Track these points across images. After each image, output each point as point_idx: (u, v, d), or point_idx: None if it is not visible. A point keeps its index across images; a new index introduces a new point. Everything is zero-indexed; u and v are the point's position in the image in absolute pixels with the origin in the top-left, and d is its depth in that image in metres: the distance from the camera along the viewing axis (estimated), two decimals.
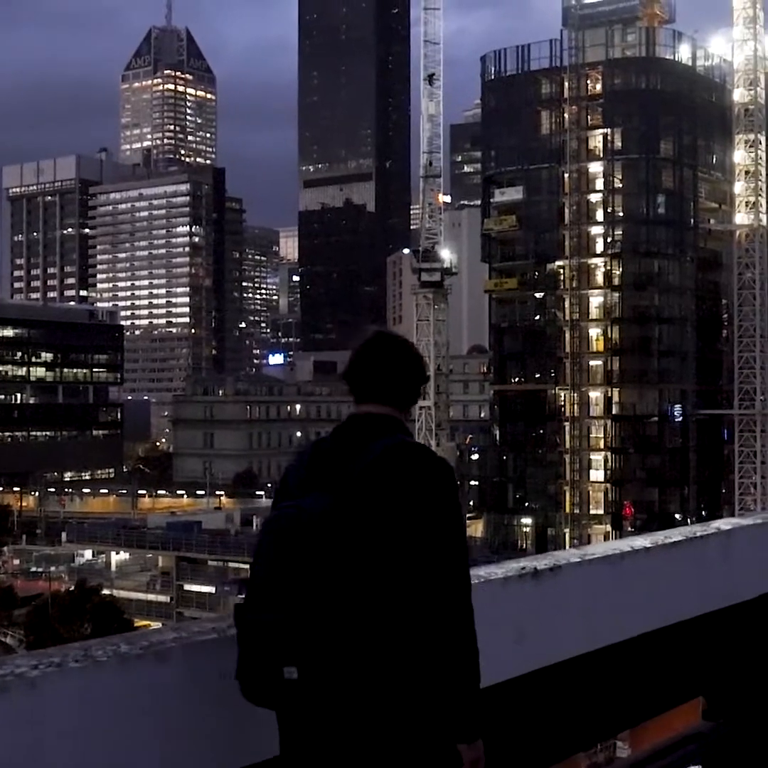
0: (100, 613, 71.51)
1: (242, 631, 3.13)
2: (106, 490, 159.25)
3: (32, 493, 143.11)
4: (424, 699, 3.13)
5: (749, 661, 5.53)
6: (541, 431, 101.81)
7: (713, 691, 5.42)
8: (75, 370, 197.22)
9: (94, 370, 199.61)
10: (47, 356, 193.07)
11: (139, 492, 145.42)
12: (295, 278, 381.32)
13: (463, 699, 3.13)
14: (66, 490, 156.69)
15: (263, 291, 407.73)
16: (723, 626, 5.35)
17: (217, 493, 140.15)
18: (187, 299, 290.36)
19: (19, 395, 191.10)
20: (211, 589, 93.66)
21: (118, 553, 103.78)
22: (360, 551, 3.07)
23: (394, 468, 3.16)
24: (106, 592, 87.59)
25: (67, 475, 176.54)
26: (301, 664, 3.01)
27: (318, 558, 3.03)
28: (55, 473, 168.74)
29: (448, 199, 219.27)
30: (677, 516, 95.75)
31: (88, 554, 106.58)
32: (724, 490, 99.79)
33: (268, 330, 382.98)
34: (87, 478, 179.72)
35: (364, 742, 3.09)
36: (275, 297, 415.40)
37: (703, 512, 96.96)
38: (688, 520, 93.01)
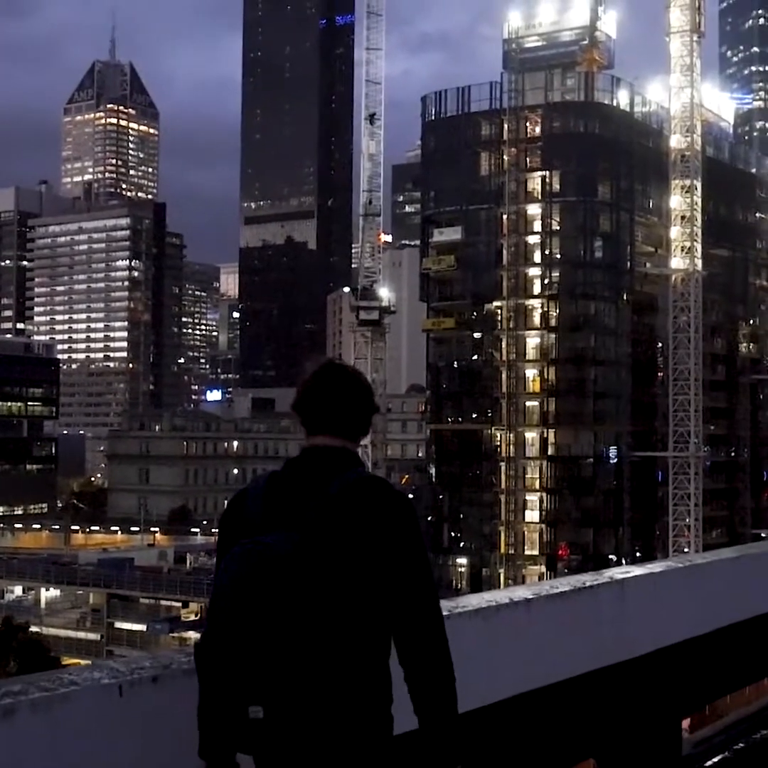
0: (25, 651, 70.31)
1: (203, 669, 3.05)
2: (38, 526, 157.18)
3: None
4: (386, 736, 3.11)
5: (644, 719, 5.26)
6: (477, 471, 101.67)
7: (605, 753, 5.15)
8: (9, 404, 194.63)
9: (29, 403, 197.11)
10: None
11: (72, 528, 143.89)
12: (236, 315, 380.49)
13: (443, 727, 3.12)
14: None
15: (203, 327, 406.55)
16: (616, 683, 5.09)
17: (152, 529, 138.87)
18: (125, 334, 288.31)
19: None
20: (142, 627, 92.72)
21: (48, 589, 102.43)
22: (330, 589, 3.02)
23: (358, 504, 3.13)
24: (35, 629, 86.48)
25: None
26: (267, 702, 2.96)
27: (287, 597, 2.97)
28: None
29: (389, 238, 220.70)
30: (611, 557, 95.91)
31: (17, 590, 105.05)
32: (658, 532, 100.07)
33: (208, 366, 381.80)
34: (19, 513, 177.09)
35: None
36: (215, 333, 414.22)
37: (638, 553, 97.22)
38: (623, 561, 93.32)
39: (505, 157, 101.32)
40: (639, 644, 5.26)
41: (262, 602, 2.96)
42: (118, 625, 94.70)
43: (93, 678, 2.94)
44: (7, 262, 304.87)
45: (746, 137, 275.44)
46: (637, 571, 5.47)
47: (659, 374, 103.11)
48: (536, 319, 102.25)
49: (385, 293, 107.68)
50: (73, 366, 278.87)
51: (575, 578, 5.09)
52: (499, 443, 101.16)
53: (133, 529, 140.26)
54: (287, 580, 2.98)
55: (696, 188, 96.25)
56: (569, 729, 4.84)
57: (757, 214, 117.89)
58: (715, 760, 6.01)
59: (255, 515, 3.20)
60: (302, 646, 2.97)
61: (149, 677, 3.04)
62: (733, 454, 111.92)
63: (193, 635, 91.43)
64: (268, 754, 3.03)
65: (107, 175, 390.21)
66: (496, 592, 4.66)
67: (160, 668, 3.12)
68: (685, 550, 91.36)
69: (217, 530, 3.41)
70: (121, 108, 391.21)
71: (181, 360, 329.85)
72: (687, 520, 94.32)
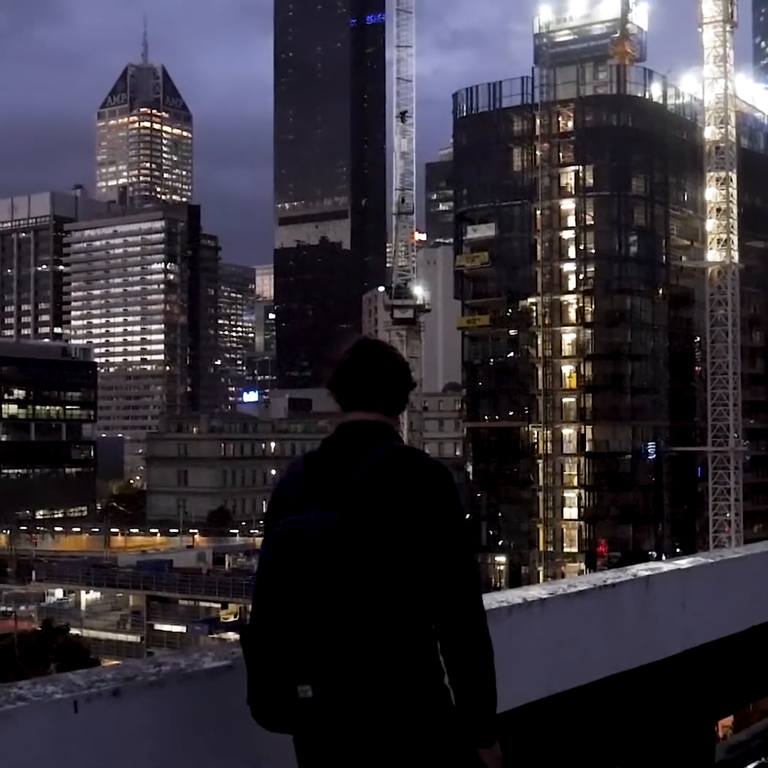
0: (65, 653, 70.57)
1: (251, 651, 3.05)
2: (78, 529, 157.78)
3: (3, 531, 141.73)
4: (441, 708, 3.07)
5: (673, 725, 4.96)
6: (515, 469, 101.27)
7: (631, 760, 4.86)
8: (48, 408, 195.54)
9: (67, 407, 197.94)
10: (20, 393, 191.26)
11: (112, 530, 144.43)
12: (271, 316, 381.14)
13: (482, 703, 3.10)
14: (38, 528, 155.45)
15: (239, 328, 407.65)
16: (642, 687, 4.79)
17: (191, 531, 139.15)
18: (161, 336, 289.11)
19: None
20: (181, 628, 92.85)
21: (88, 592, 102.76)
22: (373, 564, 3.00)
23: (394, 476, 3.10)
24: (75, 631, 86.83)
25: (40, 513, 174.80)
26: (316, 681, 2.94)
27: (330, 574, 2.95)
28: (27, 511, 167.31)
29: (423, 236, 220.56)
30: (651, 553, 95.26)
31: (58, 593, 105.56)
32: (698, 528, 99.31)
33: (244, 367, 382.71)
34: (59, 516, 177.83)
35: (383, 758, 3.01)
36: (251, 334, 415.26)
37: (678, 549, 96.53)
38: (663, 557, 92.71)
39: (538, 153, 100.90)
40: (666, 645, 4.95)
41: (303, 580, 2.95)
42: (158, 626, 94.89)
43: (45, 692, 2.67)
44: (44, 266, 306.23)
45: None
46: (664, 567, 5.16)
47: (697, 368, 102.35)
48: (572, 315, 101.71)
49: (419, 291, 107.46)
50: (111, 369, 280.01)
51: (596, 576, 4.81)
52: (536, 440, 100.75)
53: (172, 531, 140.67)
54: (326, 557, 2.96)
55: (731, 180, 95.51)
56: (592, 737, 4.55)
57: None
58: (751, 766, 5.71)
59: (292, 495, 3.20)
60: (346, 623, 2.94)
61: (110, 690, 2.76)
62: None
63: (232, 636, 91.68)
64: (317, 732, 3.03)
65: (141, 178, 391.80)
66: (509, 592, 4.37)
67: (122, 681, 2.84)
68: (726, 544, 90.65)
69: (263, 522, 3.37)
70: (154, 111, 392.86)
71: (218, 362, 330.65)
72: (727, 515, 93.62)
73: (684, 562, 5.35)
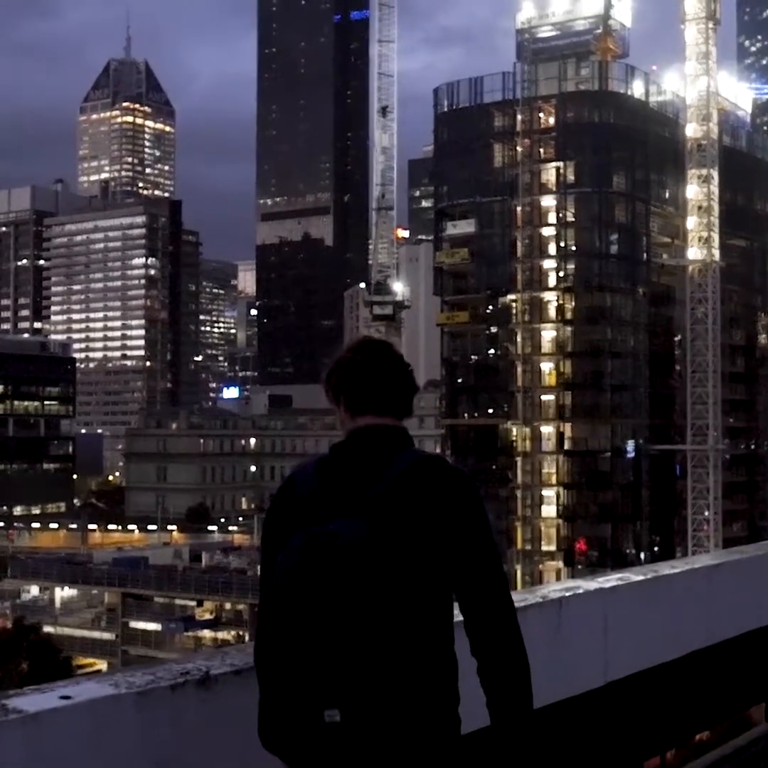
0: (36, 651, 69.87)
1: (269, 672, 2.90)
2: (56, 525, 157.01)
3: None
4: (455, 736, 2.95)
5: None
6: (493, 466, 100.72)
7: None
8: (26, 403, 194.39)
9: (46, 402, 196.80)
10: None
11: (90, 527, 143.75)
12: (253, 312, 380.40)
13: (521, 720, 2.97)
14: (15, 524, 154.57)
15: (221, 324, 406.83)
16: (553, 726, 4.13)
17: (169, 527, 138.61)
18: (142, 332, 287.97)
19: None
20: (157, 626, 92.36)
21: (63, 589, 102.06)
22: (403, 575, 2.88)
23: (422, 484, 2.99)
24: (49, 629, 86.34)
25: (17, 509, 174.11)
26: (345, 704, 2.78)
27: (360, 585, 2.81)
28: (5, 507, 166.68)
29: (406, 233, 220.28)
30: (630, 551, 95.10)
31: (34, 590, 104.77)
32: (677, 526, 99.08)
33: (226, 363, 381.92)
34: (37, 512, 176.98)
35: None
36: (233, 330, 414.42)
37: (657, 548, 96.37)
38: (641, 556, 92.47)
39: (519, 148, 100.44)
40: (583, 678, 4.28)
41: (332, 592, 2.78)
42: (133, 624, 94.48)
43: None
44: (24, 261, 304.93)
45: (765, 127, 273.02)
46: (583, 586, 4.49)
47: (677, 366, 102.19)
48: (552, 312, 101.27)
49: (399, 288, 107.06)
50: (91, 365, 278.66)
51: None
52: (515, 438, 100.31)
53: (150, 527, 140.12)
54: (355, 568, 2.81)
55: (713, 178, 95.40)
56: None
57: None
58: None
59: (310, 503, 3.00)
60: (378, 639, 2.78)
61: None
62: (752, 446, 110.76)
63: (208, 634, 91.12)
64: (343, 760, 2.80)
65: (123, 173, 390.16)
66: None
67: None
68: (705, 544, 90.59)
69: (264, 524, 3.13)
70: (136, 106, 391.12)
71: (199, 358, 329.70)
72: (706, 513, 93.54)
73: (606, 581, 4.67)
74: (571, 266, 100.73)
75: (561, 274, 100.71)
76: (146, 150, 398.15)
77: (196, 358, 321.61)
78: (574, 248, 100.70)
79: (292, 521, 2.99)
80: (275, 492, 3.19)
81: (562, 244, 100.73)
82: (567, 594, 4.25)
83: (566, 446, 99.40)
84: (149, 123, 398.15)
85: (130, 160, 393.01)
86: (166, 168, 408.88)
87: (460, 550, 2.96)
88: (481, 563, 2.99)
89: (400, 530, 2.91)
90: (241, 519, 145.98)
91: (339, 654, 2.75)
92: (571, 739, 4.27)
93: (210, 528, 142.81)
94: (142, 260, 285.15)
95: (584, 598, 4.32)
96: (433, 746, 2.85)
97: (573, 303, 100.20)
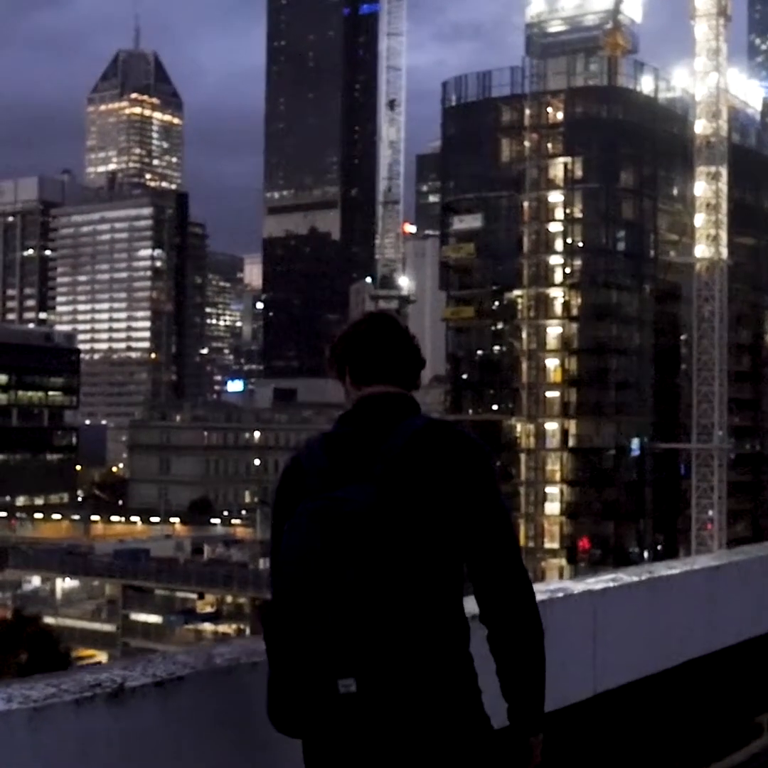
0: (36, 642, 69.70)
1: (279, 643, 2.80)
2: (59, 516, 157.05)
3: None
4: (478, 708, 2.90)
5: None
6: (497, 462, 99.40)
7: None
8: (30, 393, 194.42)
9: (50, 393, 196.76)
10: (1, 378, 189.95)
11: (92, 518, 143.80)
12: (259, 305, 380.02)
13: (535, 689, 2.93)
14: (17, 514, 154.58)
15: (227, 317, 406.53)
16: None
17: (172, 520, 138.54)
18: (147, 324, 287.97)
19: None
20: (158, 618, 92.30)
21: (64, 580, 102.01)
22: (415, 540, 2.84)
23: (434, 449, 2.96)
24: (50, 620, 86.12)
25: (20, 500, 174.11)
26: (361, 673, 2.71)
27: (374, 551, 2.77)
28: (7, 497, 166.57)
29: (413, 228, 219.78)
30: (633, 550, 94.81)
31: (36, 581, 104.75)
32: (680, 525, 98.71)
33: (231, 356, 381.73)
34: (40, 503, 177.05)
35: (429, 756, 2.77)
36: (238, 323, 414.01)
37: (660, 547, 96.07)
38: (645, 554, 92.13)
39: (526, 143, 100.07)
40: (570, 690, 3.88)
41: (345, 557, 2.74)
42: (134, 616, 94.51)
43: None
44: (30, 251, 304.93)
45: None
46: (571, 588, 4.09)
47: (683, 365, 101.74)
48: (557, 309, 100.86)
49: (404, 282, 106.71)
50: (96, 356, 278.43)
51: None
52: (519, 434, 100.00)
53: (153, 519, 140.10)
54: (367, 533, 2.77)
55: (721, 175, 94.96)
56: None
57: None
58: None
59: (317, 472, 2.97)
60: (392, 605, 2.74)
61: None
62: (758, 446, 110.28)
63: (208, 627, 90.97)
64: (360, 733, 2.74)
65: (131, 164, 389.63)
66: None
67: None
68: (709, 543, 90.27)
69: (273, 500, 3.06)
70: (145, 98, 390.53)
71: (204, 350, 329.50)
72: (710, 513, 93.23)
73: (596, 582, 4.26)
74: (577, 262, 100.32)
75: (567, 270, 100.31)
76: (154, 142, 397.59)
77: (201, 351, 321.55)
78: (580, 244, 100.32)
79: (301, 491, 2.94)
80: (282, 469, 3.10)
81: (569, 240, 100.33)
82: (552, 596, 3.87)
83: (570, 443, 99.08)
84: (157, 115, 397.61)
85: (137, 151, 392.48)
86: (174, 160, 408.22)
87: (471, 514, 2.93)
88: (493, 527, 2.95)
89: (411, 495, 2.86)
90: (244, 512, 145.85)
91: (351, 621, 2.68)
92: (557, 756, 3.89)
93: (213, 521, 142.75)
94: (149, 252, 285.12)
95: (571, 601, 3.95)
96: (454, 714, 2.79)
97: (579, 299, 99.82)
